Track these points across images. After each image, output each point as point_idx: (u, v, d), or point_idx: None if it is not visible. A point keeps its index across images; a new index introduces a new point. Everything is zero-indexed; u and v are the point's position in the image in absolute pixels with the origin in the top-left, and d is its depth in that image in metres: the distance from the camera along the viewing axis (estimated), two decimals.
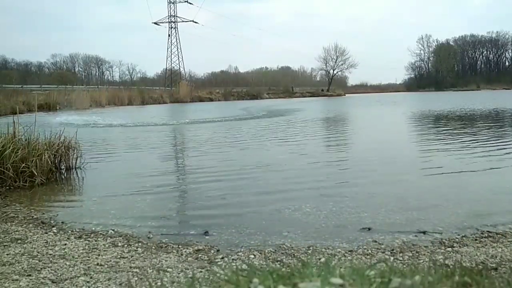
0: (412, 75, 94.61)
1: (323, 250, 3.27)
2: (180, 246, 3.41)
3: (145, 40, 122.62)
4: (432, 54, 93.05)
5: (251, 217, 4.29)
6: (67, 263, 3.02)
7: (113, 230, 3.87)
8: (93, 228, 3.95)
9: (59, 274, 2.82)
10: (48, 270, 2.88)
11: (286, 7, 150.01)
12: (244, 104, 35.90)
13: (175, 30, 63.94)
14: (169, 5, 63.32)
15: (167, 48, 64.10)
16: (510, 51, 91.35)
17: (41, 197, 5.33)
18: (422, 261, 2.96)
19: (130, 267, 2.95)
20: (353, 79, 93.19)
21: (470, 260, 2.93)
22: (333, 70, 73.77)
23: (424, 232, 3.61)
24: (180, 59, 64.44)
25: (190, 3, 62.57)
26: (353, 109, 27.89)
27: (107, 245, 3.43)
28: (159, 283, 2.61)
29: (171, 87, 54.10)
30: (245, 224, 4.02)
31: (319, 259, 3.01)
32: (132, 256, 3.18)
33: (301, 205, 4.55)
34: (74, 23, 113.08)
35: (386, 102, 36.52)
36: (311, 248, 3.33)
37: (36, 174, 5.80)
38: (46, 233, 3.79)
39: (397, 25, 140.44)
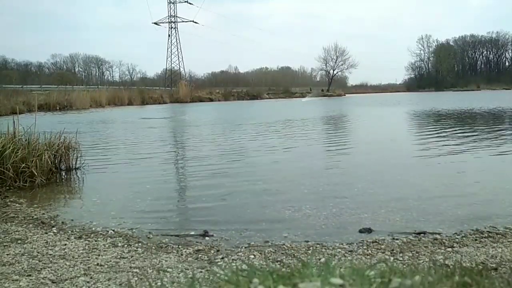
0: (412, 75, 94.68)
1: (323, 250, 3.27)
2: (180, 246, 3.41)
3: (145, 40, 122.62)
4: (432, 54, 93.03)
5: (251, 217, 4.29)
6: (67, 263, 3.02)
7: (113, 230, 3.87)
8: (93, 228, 3.95)
9: (59, 274, 2.82)
10: (48, 270, 2.88)
11: (286, 7, 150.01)
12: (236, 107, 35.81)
13: (175, 30, 63.97)
14: (169, 5, 63.37)
15: (167, 48, 64.15)
16: (510, 51, 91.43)
17: (41, 197, 5.33)
18: (422, 261, 2.96)
19: (130, 267, 2.95)
20: (353, 79, 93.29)
21: (470, 260, 2.93)
22: (333, 70, 73.79)
23: (424, 233, 3.61)
24: (180, 59, 64.46)
25: (190, 3, 62.61)
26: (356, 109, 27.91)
27: (107, 245, 3.43)
28: (159, 283, 2.61)
29: (171, 87, 54.07)
30: (245, 224, 4.02)
31: (319, 259, 3.01)
32: (132, 256, 3.18)
33: (301, 206, 4.55)
34: (74, 23, 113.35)
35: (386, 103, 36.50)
36: (311, 248, 3.33)
37: (36, 174, 5.80)
38: (46, 233, 3.79)
39: (397, 25, 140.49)
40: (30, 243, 3.49)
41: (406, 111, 22.68)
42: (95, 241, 3.57)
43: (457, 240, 3.42)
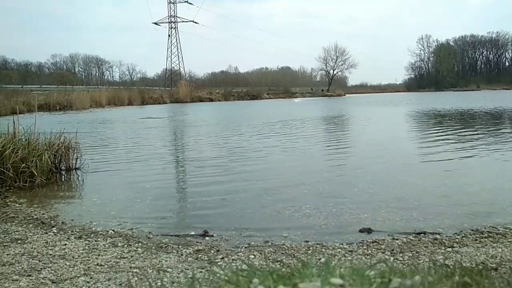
0: (412, 75, 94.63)
1: (323, 250, 3.27)
2: (180, 246, 3.41)
3: (145, 40, 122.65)
4: (432, 54, 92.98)
5: (251, 217, 4.29)
6: (67, 263, 3.02)
7: (113, 230, 3.87)
8: (93, 228, 3.95)
9: (59, 274, 2.82)
10: (48, 270, 2.88)
11: (286, 7, 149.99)
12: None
13: (175, 30, 63.93)
14: (169, 5, 63.33)
15: (167, 48, 64.11)
16: (510, 51, 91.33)
17: (41, 197, 5.33)
18: (422, 261, 2.96)
19: (130, 267, 2.95)
20: (353, 79, 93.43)
21: (470, 260, 2.93)
22: (333, 70, 73.73)
23: (424, 233, 3.61)
24: (180, 59, 64.42)
25: (190, 3, 62.55)
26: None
27: (107, 245, 3.43)
28: (159, 283, 2.61)
29: (171, 87, 54.04)
30: (245, 224, 4.02)
31: (319, 259, 3.01)
32: (132, 256, 3.18)
33: (301, 206, 4.55)
34: (74, 23, 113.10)
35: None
36: (311, 248, 3.33)
37: (36, 174, 5.80)
38: (46, 233, 3.79)
39: (397, 25, 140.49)
40: (30, 243, 3.49)
41: (406, 111, 22.68)
42: (95, 241, 3.57)
43: (457, 240, 3.42)
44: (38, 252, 3.25)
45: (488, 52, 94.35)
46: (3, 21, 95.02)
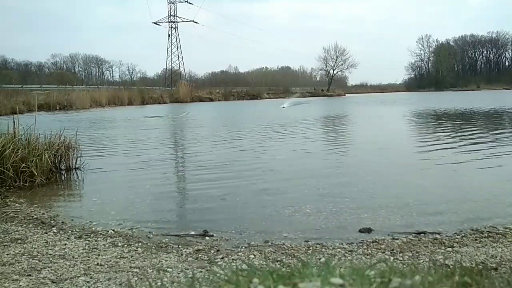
0: (412, 75, 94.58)
1: (323, 250, 3.27)
2: (180, 246, 3.41)
3: (145, 40, 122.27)
4: (432, 54, 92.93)
5: (251, 217, 4.29)
6: (67, 263, 3.01)
7: (113, 230, 3.87)
8: (93, 228, 3.95)
9: (59, 274, 2.82)
10: (48, 270, 2.88)
11: (287, 7, 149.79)
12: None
13: (175, 30, 63.95)
14: (169, 5, 63.33)
15: (167, 48, 64.15)
16: (510, 51, 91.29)
17: (41, 197, 5.33)
18: (422, 261, 2.96)
19: (130, 267, 2.95)
20: (353, 79, 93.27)
21: (470, 260, 2.93)
22: (333, 70, 73.81)
23: (424, 232, 3.61)
24: (180, 59, 64.43)
25: (190, 3, 62.54)
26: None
27: (107, 245, 3.43)
28: (159, 283, 2.61)
29: (171, 87, 54.05)
30: (245, 224, 4.03)
31: (319, 259, 3.01)
32: (132, 256, 3.18)
33: (301, 206, 4.55)
34: (74, 23, 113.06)
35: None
36: (311, 248, 3.33)
37: (36, 174, 5.80)
38: (46, 233, 3.79)
39: (397, 25, 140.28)
40: (30, 243, 3.49)
41: (406, 111, 22.66)
42: (95, 241, 3.57)
43: (457, 240, 3.42)
44: (38, 252, 3.25)
45: (488, 52, 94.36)
46: (3, 21, 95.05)
